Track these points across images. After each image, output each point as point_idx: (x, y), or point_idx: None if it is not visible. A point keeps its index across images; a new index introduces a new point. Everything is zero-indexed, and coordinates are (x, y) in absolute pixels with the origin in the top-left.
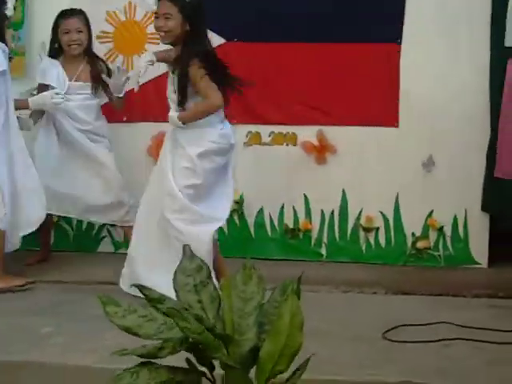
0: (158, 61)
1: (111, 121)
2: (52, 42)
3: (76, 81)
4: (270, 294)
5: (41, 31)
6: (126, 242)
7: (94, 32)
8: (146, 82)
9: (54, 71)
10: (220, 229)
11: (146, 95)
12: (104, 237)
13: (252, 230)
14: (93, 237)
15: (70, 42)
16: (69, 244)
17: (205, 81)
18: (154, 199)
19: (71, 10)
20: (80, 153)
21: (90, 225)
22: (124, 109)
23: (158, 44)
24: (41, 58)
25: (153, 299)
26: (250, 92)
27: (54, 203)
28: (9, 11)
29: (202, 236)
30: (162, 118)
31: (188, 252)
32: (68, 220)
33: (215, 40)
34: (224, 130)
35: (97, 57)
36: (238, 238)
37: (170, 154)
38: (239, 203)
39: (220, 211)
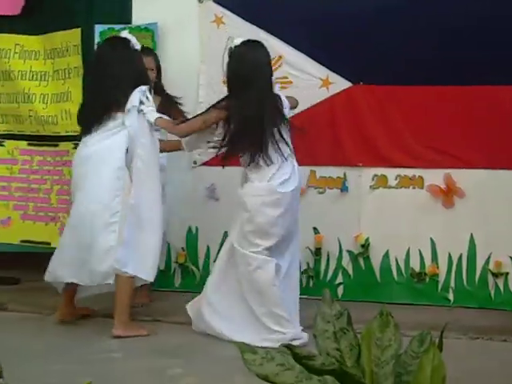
0: None
1: None
2: None
3: None
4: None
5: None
6: None
7: (220, 79)
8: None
9: None
10: (345, 272)
11: None
12: None
13: (377, 273)
14: None
15: None
16: (194, 285)
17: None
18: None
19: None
20: None
21: None
22: None
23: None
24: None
25: (303, 357)
26: (376, 135)
27: None
28: (137, 45)
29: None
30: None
31: (327, 297)
32: (194, 261)
33: (341, 83)
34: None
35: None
36: (363, 282)
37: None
38: (364, 246)
39: None
